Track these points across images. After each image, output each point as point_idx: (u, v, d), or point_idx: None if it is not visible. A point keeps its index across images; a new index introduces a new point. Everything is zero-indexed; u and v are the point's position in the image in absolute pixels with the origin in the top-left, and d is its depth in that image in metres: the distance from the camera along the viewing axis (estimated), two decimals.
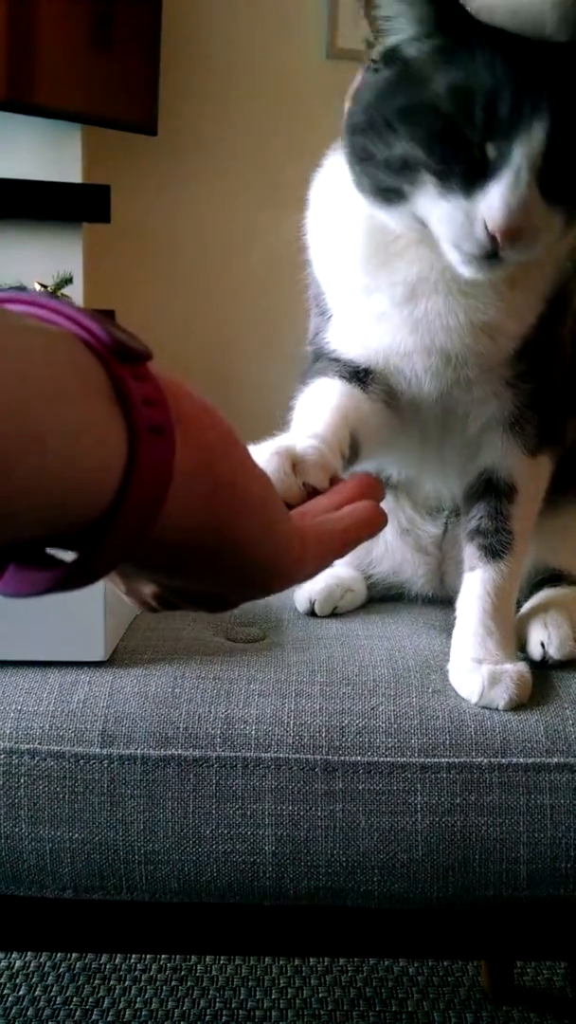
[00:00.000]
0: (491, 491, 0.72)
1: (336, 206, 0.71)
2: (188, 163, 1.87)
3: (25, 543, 0.30)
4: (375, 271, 0.68)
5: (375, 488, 0.45)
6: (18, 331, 0.28)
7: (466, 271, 0.62)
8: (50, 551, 0.32)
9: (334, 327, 0.73)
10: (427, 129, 0.59)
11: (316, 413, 0.66)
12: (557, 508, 0.78)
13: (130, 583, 0.38)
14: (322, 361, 0.74)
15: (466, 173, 0.58)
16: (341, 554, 0.41)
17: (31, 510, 0.27)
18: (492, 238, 0.58)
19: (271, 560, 0.36)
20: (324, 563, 0.40)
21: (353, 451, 0.66)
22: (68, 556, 0.31)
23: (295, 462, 0.51)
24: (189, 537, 0.32)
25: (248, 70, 1.88)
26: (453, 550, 0.78)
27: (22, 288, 1.51)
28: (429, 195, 0.60)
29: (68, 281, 1.50)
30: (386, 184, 0.62)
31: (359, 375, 0.72)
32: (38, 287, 1.48)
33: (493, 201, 0.58)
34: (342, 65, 1.90)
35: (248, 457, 0.35)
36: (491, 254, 0.59)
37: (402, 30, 0.61)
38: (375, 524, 0.43)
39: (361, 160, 0.63)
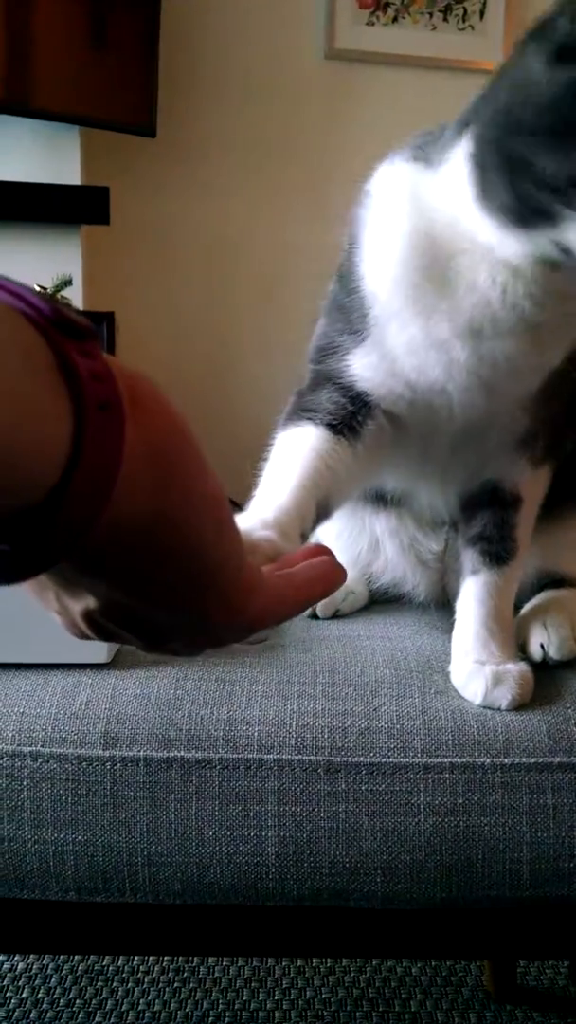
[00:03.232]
0: (496, 501, 0.72)
1: (404, 217, 0.63)
2: (187, 165, 1.87)
3: None
4: (439, 291, 0.62)
5: (327, 553, 0.43)
6: None
7: None
8: None
9: (365, 350, 0.67)
10: None
11: (282, 483, 0.63)
12: (560, 517, 0.78)
13: (63, 597, 0.35)
14: (323, 390, 0.69)
15: None
16: (296, 609, 0.39)
17: None
18: None
19: (218, 575, 0.33)
20: (277, 613, 0.37)
21: (321, 514, 0.64)
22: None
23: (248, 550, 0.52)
24: (137, 531, 0.30)
25: (246, 71, 1.88)
26: (455, 562, 0.77)
27: None
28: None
29: (67, 283, 1.50)
30: (538, 202, 0.54)
31: (352, 418, 0.68)
32: (37, 289, 1.48)
33: None
34: (340, 66, 1.90)
35: (201, 456, 0.33)
36: None
37: None
38: (333, 579, 0.41)
39: (511, 169, 0.55)
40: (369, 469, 0.71)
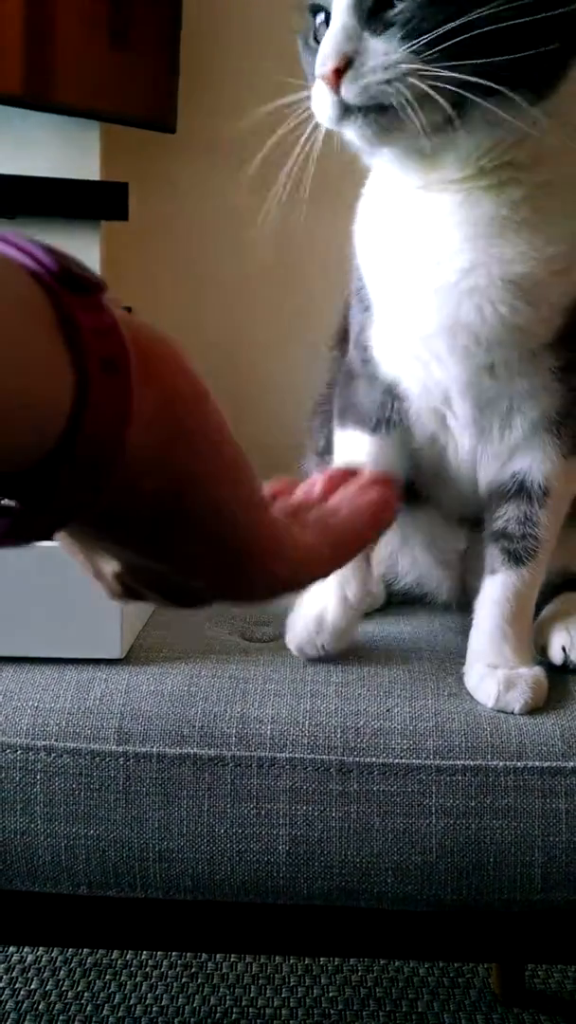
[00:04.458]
0: (522, 494, 0.69)
1: (377, 191, 0.70)
2: (207, 161, 1.87)
3: None
4: (407, 242, 0.66)
5: (387, 485, 0.39)
6: None
7: (356, 138, 0.62)
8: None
9: (376, 322, 0.71)
10: (307, 28, 0.67)
11: None
12: None
13: (93, 560, 0.34)
14: (359, 383, 0.73)
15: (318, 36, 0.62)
16: (327, 570, 0.36)
17: None
18: (331, 89, 0.59)
19: (242, 536, 0.32)
20: (303, 577, 0.35)
21: None
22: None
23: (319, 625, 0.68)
24: (151, 496, 0.29)
25: (267, 67, 1.88)
26: (476, 562, 0.75)
27: None
28: None
29: None
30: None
31: (390, 412, 0.71)
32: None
33: (322, 47, 0.59)
34: None
35: (220, 417, 0.31)
36: (337, 101, 0.59)
37: None
38: (377, 524, 0.37)
39: None
40: (408, 461, 0.73)
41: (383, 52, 0.57)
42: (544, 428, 0.68)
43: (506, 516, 0.70)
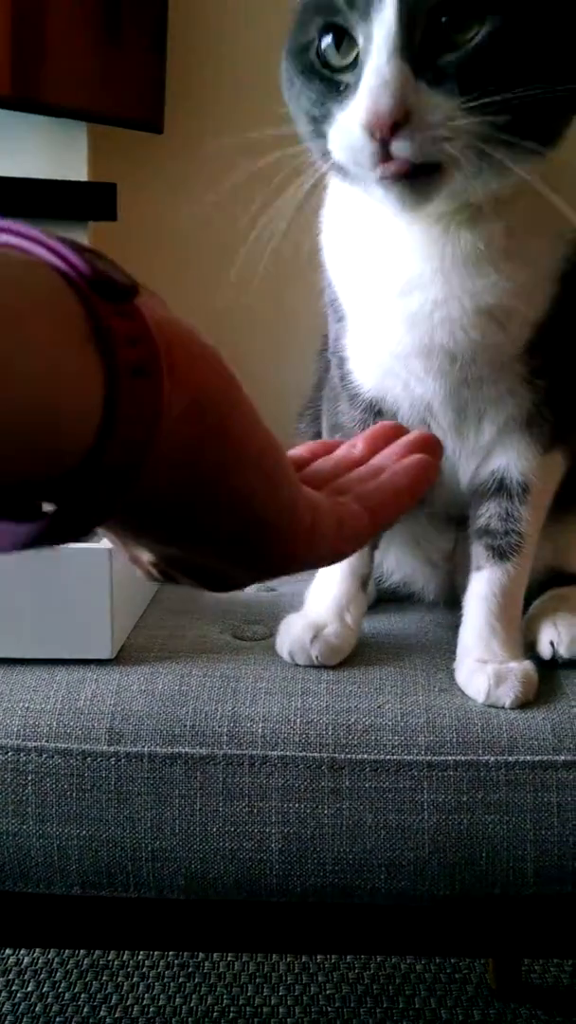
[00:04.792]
0: (502, 491, 0.70)
1: (343, 203, 0.69)
2: (195, 161, 1.87)
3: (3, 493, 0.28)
4: (377, 263, 0.65)
5: (430, 445, 0.39)
6: None
7: (392, 203, 0.56)
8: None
9: (351, 333, 0.71)
10: (307, 43, 0.58)
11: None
12: (569, 513, 0.76)
13: (128, 548, 0.35)
14: (341, 400, 0.73)
15: (343, 86, 0.55)
16: (368, 535, 0.36)
17: None
18: (376, 140, 0.53)
19: (274, 525, 0.32)
20: (344, 546, 0.35)
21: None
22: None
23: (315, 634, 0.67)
24: (181, 491, 0.29)
25: (254, 68, 1.88)
26: (464, 560, 0.76)
27: None
28: (332, 124, 0.56)
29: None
30: (315, 137, 0.58)
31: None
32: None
33: (360, 96, 0.53)
34: None
35: (249, 407, 0.31)
36: (385, 158, 0.54)
37: None
38: (418, 486, 0.37)
39: (307, 136, 0.60)
40: None
41: (442, 107, 0.53)
42: (515, 428, 0.69)
43: (488, 513, 0.71)
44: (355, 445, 0.41)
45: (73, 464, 0.27)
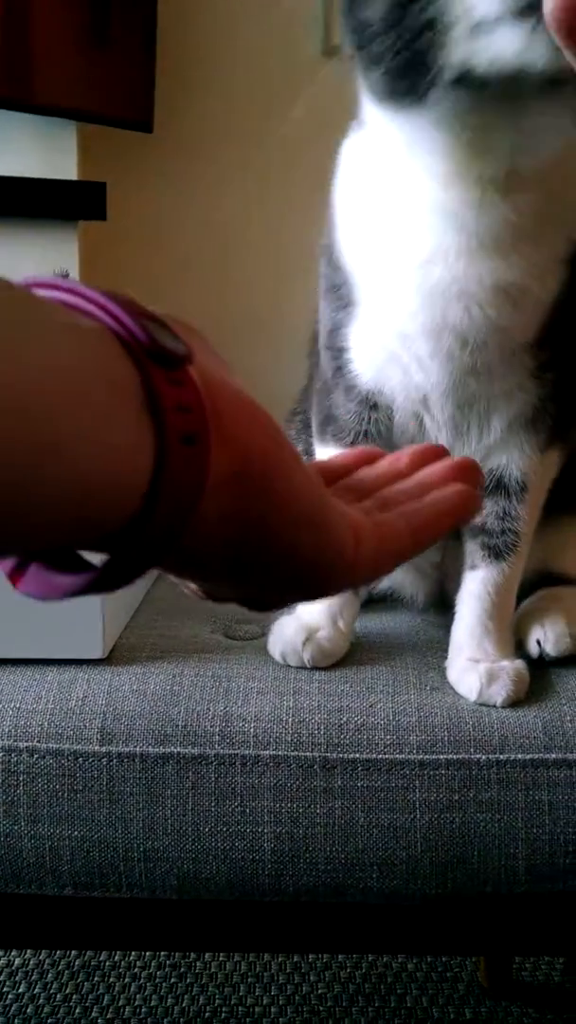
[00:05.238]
0: (500, 490, 0.70)
1: (365, 173, 0.66)
2: (184, 160, 1.87)
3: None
4: (399, 233, 0.64)
5: (473, 473, 0.40)
6: (48, 326, 0.26)
7: (531, 51, 0.47)
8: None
9: (359, 317, 0.69)
10: None
11: None
12: (557, 515, 0.76)
13: (175, 576, 0.36)
14: (337, 392, 0.72)
15: None
16: (409, 555, 0.37)
17: (47, 521, 0.26)
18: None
19: (315, 566, 0.33)
20: (385, 566, 0.36)
21: None
22: (94, 556, 0.30)
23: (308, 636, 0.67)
24: (224, 545, 0.30)
25: (244, 67, 1.88)
26: (454, 568, 0.76)
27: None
28: None
29: (64, 278, 1.50)
30: (409, 36, 0.50)
31: (367, 424, 0.70)
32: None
33: None
34: (338, 63, 1.89)
35: (292, 457, 0.32)
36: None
37: None
38: (461, 513, 0.38)
39: (378, 55, 0.53)
40: None
41: None
42: (520, 426, 0.69)
43: (485, 512, 0.70)
44: (400, 458, 0.42)
45: (117, 527, 0.27)
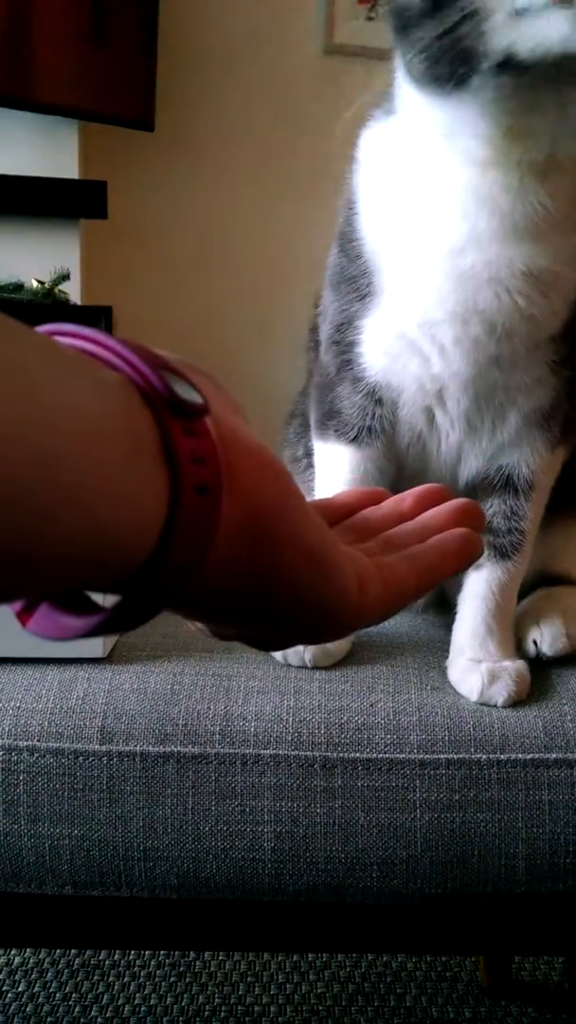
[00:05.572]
0: (508, 488, 0.70)
1: (390, 167, 0.66)
2: (185, 159, 1.87)
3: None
4: (430, 219, 0.63)
5: (475, 516, 0.41)
6: (69, 373, 0.27)
7: (555, 27, 0.49)
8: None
9: (377, 313, 0.68)
10: None
11: None
12: (554, 516, 0.76)
13: (181, 616, 0.37)
14: (343, 386, 0.71)
15: None
16: (412, 598, 0.38)
17: (59, 567, 0.26)
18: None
19: (322, 613, 0.34)
20: (390, 609, 0.37)
21: None
22: (102, 598, 0.30)
23: None
24: (231, 592, 0.31)
25: (245, 66, 1.88)
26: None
27: (19, 286, 1.50)
28: None
29: (65, 277, 1.50)
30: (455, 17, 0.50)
31: (372, 419, 0.70)
32: (35, 283, 1.48)
33: None
34: (338, 61, 1.90)
35: (302, 508, 0.33)
36: None
37: None
38: (464, 557, 0.39)
39: (419, 39, 0.53)
40: (392, 465, 0.72)
41: None
42: (534, 422, 0.68)
43: (492, 510, 0.70)
44: (403, 500, 0.43)
45: (129, 572, 0.28)
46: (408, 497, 0.43)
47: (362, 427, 0.71)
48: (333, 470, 0.73)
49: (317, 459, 0.75)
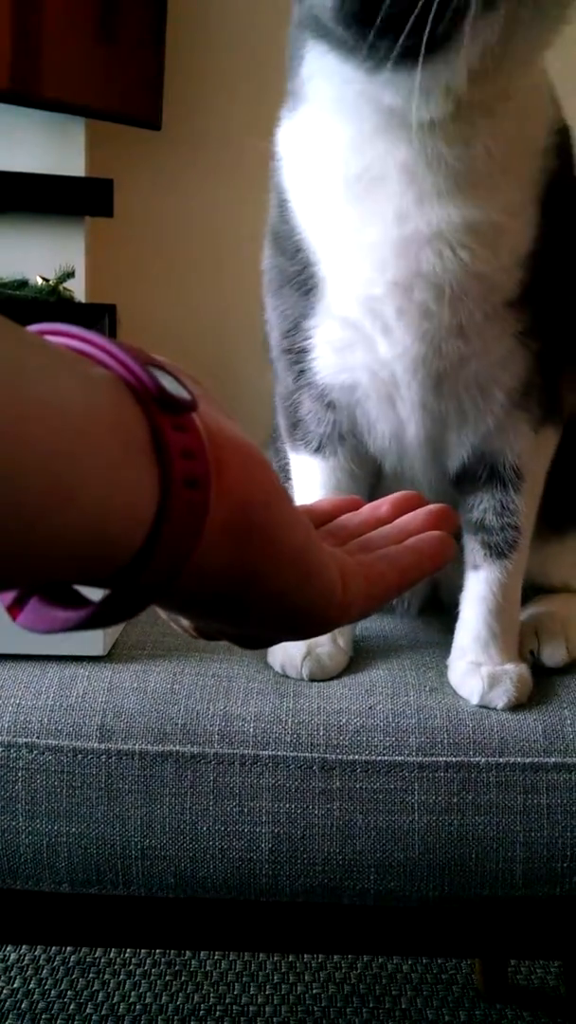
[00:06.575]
0: (495, 480, 0.67)
1: (313, 155, 0.64)
2: (192, 157, 1.87)
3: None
4: (364, 197, 0.61)
5: (449, 520, 0.42)
6: (60, 370, 0.27)
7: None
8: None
9: (323, 302, 0.65)
10: None
11: None
12: (548, 529, 0.74)
13: (167, 613, 0.38)
14: (303, 394, 0.69)
15: None
16: (394, 595, 0.39)
17: (52, 561, 0.27)
18: None
19: (307, 610, 0.35)
20: (373, 606, 0.38)
21: None
22: (92, 592, 0.31)
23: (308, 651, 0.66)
24: (218, 587, 0.32)
25: (252, 64, 1.88)
26: (444, 573, 0.73)
27: (23, 283, 1.50)
28: None
29: (70, 275, 1.50)
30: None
31: (333, 426, 0.68)
32: (40, 281, 1.48)
33: None
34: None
35: (288, 506, 0.34)
36: None
37: None
38: (439, 558, 0.40)
39: (365, 21, 0.52)
40: (366, 472, 0.71)
41: None
42: (512, 403, 0.65)
43: (482, 507, 0.68)
44: (380, 506, 0.44)
45: (119, 565, 0.28)
46: (384, 503, 0.44)
47: (323, 435, 0.69)
48: (305, 482, 0.72)
49: (292, 470, 0.74)
